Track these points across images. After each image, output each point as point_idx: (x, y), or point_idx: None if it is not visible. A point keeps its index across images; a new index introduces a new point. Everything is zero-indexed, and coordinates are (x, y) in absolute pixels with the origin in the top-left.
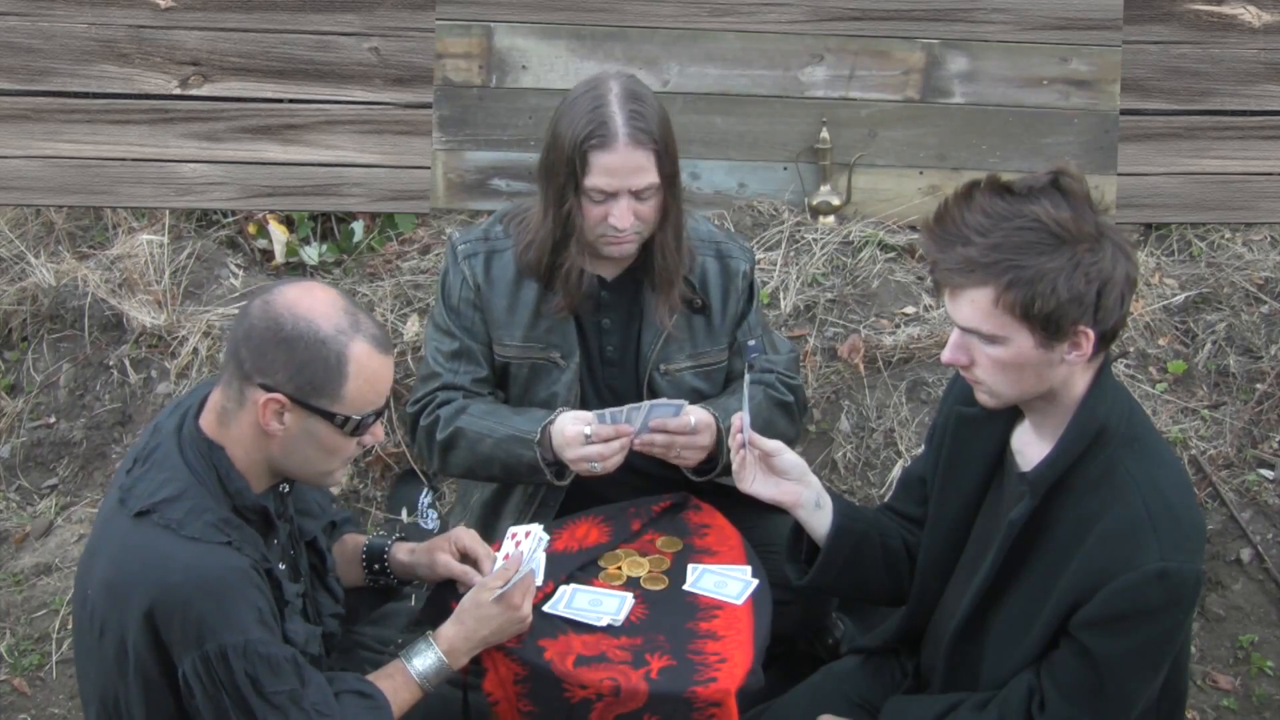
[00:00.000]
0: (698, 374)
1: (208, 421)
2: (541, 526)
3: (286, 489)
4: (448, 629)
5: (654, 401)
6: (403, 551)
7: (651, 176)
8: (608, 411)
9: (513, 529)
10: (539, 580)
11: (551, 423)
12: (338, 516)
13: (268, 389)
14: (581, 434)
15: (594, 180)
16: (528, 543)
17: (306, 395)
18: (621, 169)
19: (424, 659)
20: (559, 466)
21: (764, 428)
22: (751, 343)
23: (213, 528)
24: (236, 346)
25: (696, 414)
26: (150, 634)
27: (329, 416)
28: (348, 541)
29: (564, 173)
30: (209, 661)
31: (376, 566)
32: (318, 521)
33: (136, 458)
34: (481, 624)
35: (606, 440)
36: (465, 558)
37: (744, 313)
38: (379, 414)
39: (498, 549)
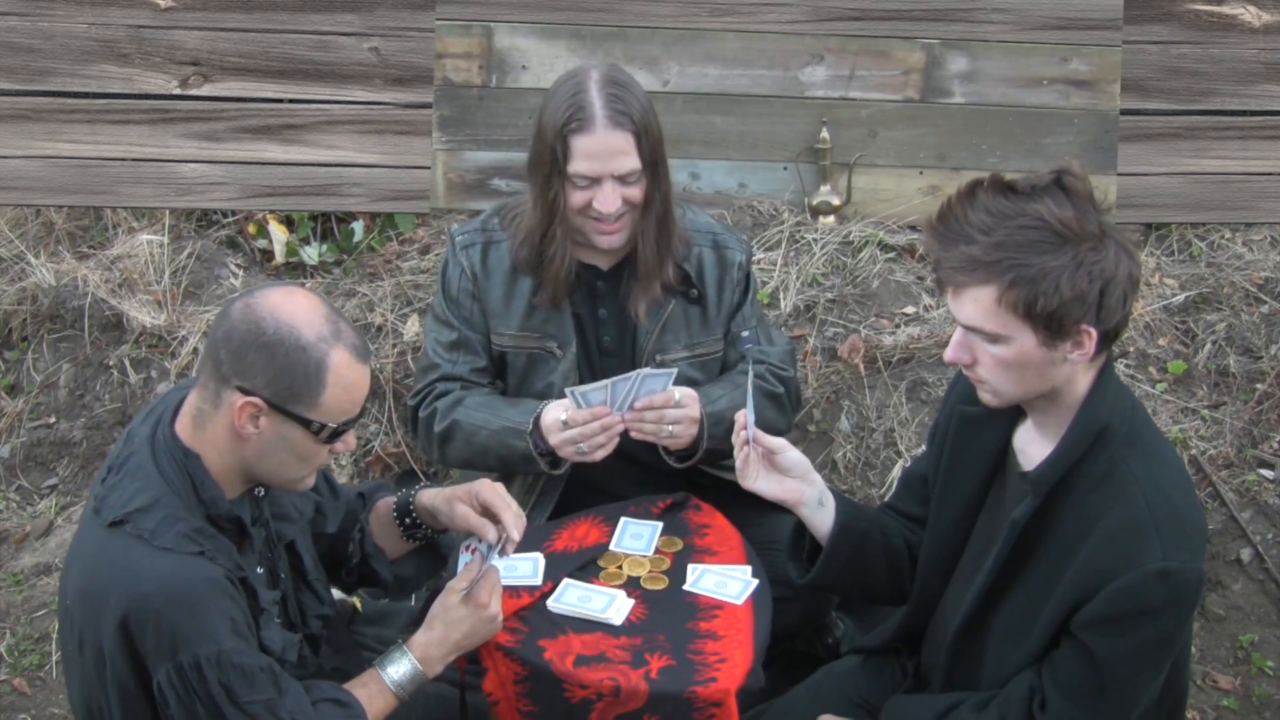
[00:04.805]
0: (693, 364)
1: (183, 425)
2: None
3: (262, 493)
4: (420, 635)
5: (644, 371)
6: (426, 495)
7: (633, 161)
8: (591, 387)
9: None
10: (538, 580)
11: (541, 413)
12: (365, 488)
13: (245, 392)
14: (558, 420)
15: (576, 165)
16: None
17: (284, 401)
18: (602, 152)
19: (398, 667)
20: (553, 456)
21: (755, 418)
22: (745, 334)
23: (185, 538)
24: (216, 348)
25: (679, 389)
26: (125, 644)
27: (305, 423)
28: (380, 508)
29: (548, 161)
30: (183, 671)
31: (408, 521)
32: (295, 525)
33: (110, 466)
34: (452, 628)
35: (584, 424)
36: (486, 512)
37: (739, 304)
38: (352, 422)
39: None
